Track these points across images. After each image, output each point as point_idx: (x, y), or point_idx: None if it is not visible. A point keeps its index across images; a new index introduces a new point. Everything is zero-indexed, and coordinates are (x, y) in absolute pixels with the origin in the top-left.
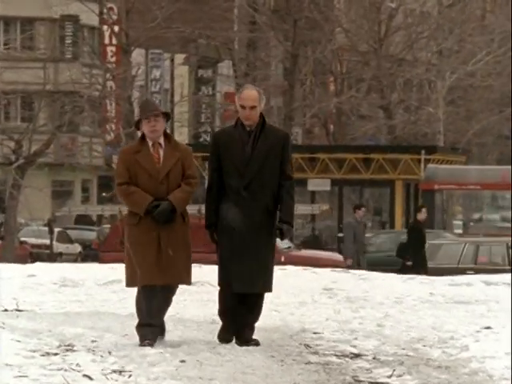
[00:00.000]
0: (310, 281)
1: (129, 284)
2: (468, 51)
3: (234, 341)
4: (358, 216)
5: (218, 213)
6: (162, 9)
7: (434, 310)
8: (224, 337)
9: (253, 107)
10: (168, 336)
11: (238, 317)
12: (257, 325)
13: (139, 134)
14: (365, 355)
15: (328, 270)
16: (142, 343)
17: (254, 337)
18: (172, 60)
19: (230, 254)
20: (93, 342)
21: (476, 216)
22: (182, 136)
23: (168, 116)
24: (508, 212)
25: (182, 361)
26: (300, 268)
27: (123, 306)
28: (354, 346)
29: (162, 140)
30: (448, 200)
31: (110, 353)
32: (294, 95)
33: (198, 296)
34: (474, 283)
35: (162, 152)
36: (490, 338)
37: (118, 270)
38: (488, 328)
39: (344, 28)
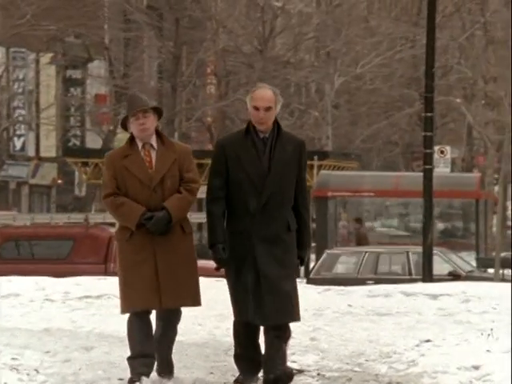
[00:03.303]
0: (222, 292)
1: (123, 310)
2: (356, 53)
3: None
4: None
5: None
6: (32, 5)
7: (360, 323)
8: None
9: (268, 108)
10: (94, 353)
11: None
12: (184, 340)
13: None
14: (308, 371)
15: None
16: (132, 378)
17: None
18: (37, 60)
19: (244, 286)
20: (13, 359)
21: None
22: (49, 141)
23: (160, 112)
24: (391, 220)
25: (120, 379)
26: (213, 279)
27: (29, 321)
28: (294, 362)
29: (153, 140)
30: (341, 208)
31: (36, 371)
32: (176, 98)
33: (108, 310)
34: (392, 294)
35: (154, 154)
36: (435, 352)
37: (13, 283)
38: (428, 341)
39: (227, 28)
